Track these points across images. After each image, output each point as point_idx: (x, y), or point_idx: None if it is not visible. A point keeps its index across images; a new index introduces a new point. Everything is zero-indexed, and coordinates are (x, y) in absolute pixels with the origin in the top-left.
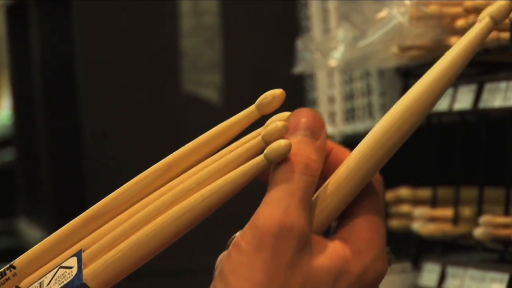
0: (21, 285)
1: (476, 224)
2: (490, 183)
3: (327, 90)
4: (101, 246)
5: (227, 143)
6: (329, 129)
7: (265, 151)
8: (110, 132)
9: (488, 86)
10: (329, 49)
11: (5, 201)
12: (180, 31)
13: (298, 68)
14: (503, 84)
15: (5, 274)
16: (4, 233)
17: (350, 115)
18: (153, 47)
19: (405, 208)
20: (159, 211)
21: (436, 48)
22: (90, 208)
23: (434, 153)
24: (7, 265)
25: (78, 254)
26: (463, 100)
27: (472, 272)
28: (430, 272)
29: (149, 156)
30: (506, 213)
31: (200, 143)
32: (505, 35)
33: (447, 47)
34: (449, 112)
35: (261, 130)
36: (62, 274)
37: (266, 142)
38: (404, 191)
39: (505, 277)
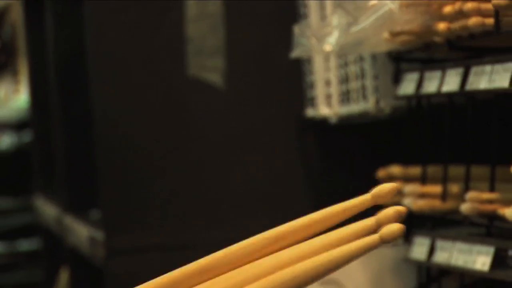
0: None
1: (463, 200)
2: (476, 161)
3: (324, 74)
4: None
5: (337, 223)
6: (326, 111)
7: (381, 230)
8: (119, 114)
9: (474, 69)
10: (324, 35)
11: (23, 180)
12: (185, 18)
13: (295, 53)
14: (488, 68)
15: None
16: (22, 209)
17: (345, 97)
18: (159, 33)
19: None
20: (264, 272)
21: (425, 33)
22: (195, 262)
23: (424, 133)
24: None
25: None
26: (451, 82)
27: (460, 245)
28: (420, 246)
29: (156, 136)
30: (492, 190)
31: (314, 219)
32: (489, 21)
33: (435, 33)
34: (438, 94)
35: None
36: None
37: (379, 224)
38: (395, 169)
39: (491, 250)
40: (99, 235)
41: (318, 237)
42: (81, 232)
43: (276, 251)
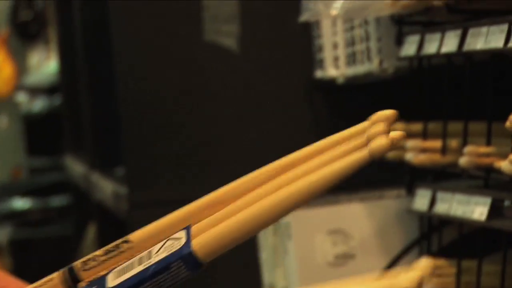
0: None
1: (461, 154)
2: (474, 118)
3: (331, 37)
4: (208, 221)
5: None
6: (333, 72)
7: (369, 145)
8: (141, 78)
9: (472, 31)
10: (331, 0)
11: (54, 141)
12: None
13: (303, 17)
14: (484, 29)
15: (120, 247)
16: (53, 168)
17: (351, 59)
18: (178, 2)
19: None
20: (263, 195)
21: None
22: (205, 196)
23: (425, 91)
24: (123, 238)
25: (187, 228)
26: (450, 44)
27: (459, 197)
28: (422, 197)
29: (175, 98)
30: (488, 144)
31: (315, 150)
32: None
33: None
34: (437, 55)
35: (362, 141)
36: (171, 244)
37: (369, 139)
38: (398, 126)
39: (488, 200)
40: (122, 190)
41: (312, 159)
42: (106, 188)
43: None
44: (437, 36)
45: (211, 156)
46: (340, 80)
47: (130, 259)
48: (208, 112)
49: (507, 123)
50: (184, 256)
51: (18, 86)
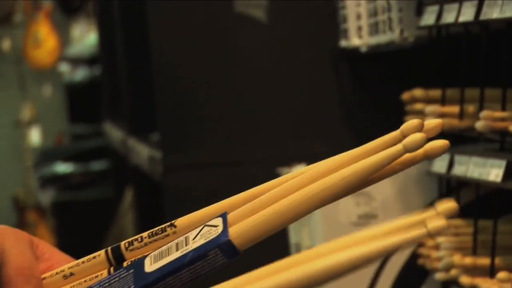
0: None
1: (478, 118)
2: (490, 84)
3: (355, 8)
4: (245, 210)
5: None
6: (357, 42)
7: (404, 141)
8: (175, 48)
9: (487, 2)
10: None
11: (94, 109)
12: None
13: None
14: (499, 0)
15: (165, 230)
16: (94, 134)
17: (374, 29)
18: None
19: (418, 106)
20: (300, 186)
21: None
22: (251, 189)
23: (443, 59)
24: (169, 222)
25: (223, 215)
26: (467, 13)
27: (476, 160)
28: (440, 160)
29: (207, 66)
30: (503, 109)
31: (347, 158)
32: None
33: None
34: (455, 24)
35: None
36: (208, 231)
37: (404, 134)
38: (418, 92)
39: (503, 163)
40: (157, 154)
41: (346, 152)
42: (142, 152)
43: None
44: (455, 6)
45: (240, 122)
46: (363, 49)
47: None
48: (238, 80)
49: None
50: (222, 244)
51: (61, 57)
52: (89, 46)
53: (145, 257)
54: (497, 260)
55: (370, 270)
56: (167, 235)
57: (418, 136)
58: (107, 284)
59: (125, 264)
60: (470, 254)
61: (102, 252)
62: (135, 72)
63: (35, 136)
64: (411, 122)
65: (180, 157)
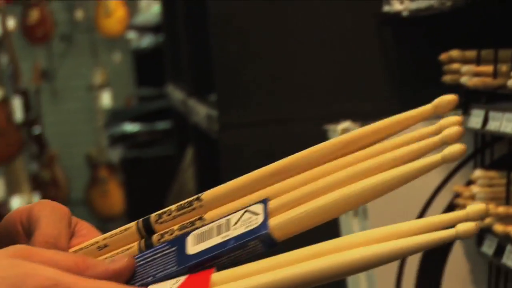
0: (206, 216)
1: (510, 77)
2: None
3: None
4: (287, 200)
5: (400, 131)
6: (399, 7)
7: (444, 152)
8: (231, 15)
9: None
10: None
11: (159, 73)
12: None
13: None
14: None
15: (192, 204)
16: (159, 97)
17: None
18: None
19: (455, 66)
20: (342, 182)
21: None
22: (276, 162)
23: (478, 21)
24: (196, 196)
25: (264, 202)
26: None
27: (509, 115)
28: (476, 116)
29: (262, 32)
30: None
31: (379, 127)
32: None
33: None
34: None
35: (433, 129)
36: (248, 218)
37: (444, 142)
38: (454, 53)
39: None
40: (214, 113)
41: (385, 141)
42: (201, 112)
43: (346, 154)
44: None
45: (291, 83)
46: (405, 13)
47: (199, 216)
48: (290, 44)
49: None
50: (261, 236)
51: (129, 26)
52: (154, 15)
53: (187, 234)
54: None
55: (413, 213)
56: (194, 209)
57: (459, 147)
58: (150, 258)
59: (155, 237)
60: (503, 204)
61: (133, 224)
62: (195, 38)
63: (106, 99)
64: (455, 130)
65: (234, 115)
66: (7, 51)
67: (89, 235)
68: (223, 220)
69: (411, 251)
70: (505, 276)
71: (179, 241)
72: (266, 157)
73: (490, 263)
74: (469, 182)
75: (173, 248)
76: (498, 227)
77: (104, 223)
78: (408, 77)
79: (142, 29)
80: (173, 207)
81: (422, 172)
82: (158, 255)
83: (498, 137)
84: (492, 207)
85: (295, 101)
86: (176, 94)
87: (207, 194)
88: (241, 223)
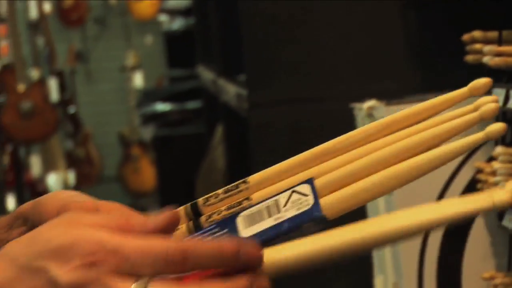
0: (253, 196)
1: None
2: None
3: None
4: (333, 179)
5: (438, 113)
6: None
7: (486, 130)
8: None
9: None
10: None
11: (189, 54)
12: None
13: None
14: None
15: (239, 187)
16: (189, 77)
17: None
18: None
19: (478, 46)
20: (385, 160)
21: None
22: (322, 145)
23: (501, 3)
24: (242, 180)
25: (310, 182)
26: None
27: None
28: (497, 95)
29: (288, 14)
30: None
31: (418, 110)
32: None
33: None
34: None
35: (470, 107)
36: (298, 200)
37: (482, 118)
38: (477, 33)
39: None
40: (243, 92)
41: (425, 121)
42: (231, 91)
43: (387, 135)
44: None
45: (319, 62)
46: None
47: (245, 198)
48: (315, 27)
49: None
50: (316, 218)
51: (160, 9)
52: None
53: (236, 215)
54: None
55: (436, 189)
56: (241, 191)
57: (501, 125)
58: (201, 238)
59: (203, 218)
60: None
61: (181, 208)
62: (224, 20)
63: (138, 79)
64: (494, 107)
65: (263, 94)
66: (43, 33)
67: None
68: (271, 201)
69: (452, 220)
70: None
71: (229, 223)
72: (294, 134)
73: (510, 236)
74: (490, 159)
75: (224, 231)
76: None
77: (136, 199)
78: (432, 57)
79: (173, 12)
80: (220, 190)
81: (466, 149)
82: (210, 237)
83: None
84: None
85: (322, 81)
86: (206, 74)
87: (253, 177)
88: (291, 205)
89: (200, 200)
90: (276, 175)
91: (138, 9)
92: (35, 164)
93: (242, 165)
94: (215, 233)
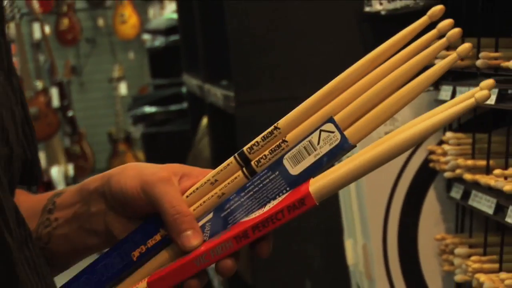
0: (287, 138)
1: (476, 59)
2: (485, 35)
3: None
4: (348, 113)
5: (409, 41)
6: (378, 7)
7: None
8: (245, 16)
9: None
10: None
11: (175, 65)
12: None
13: None
14: None
15: (273, 133)
16: (170, 85)
17: None
18: None
19: None
20: (389, 86)
21: None
22: (328, 84)
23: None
24: (273, 126)
25: (331, 121)
26: None
27: (473, 90)
28: (445, 91)
29: (267, 27)
30: (496, 50)
31: (394, 41)
32: None
33: None
34: None
35: (434, 32)
36: (327, 137)
37: (449, 41)
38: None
39: (496, 90)
40: (230, 93)
41: (402, 51)
42: (217, 93)
43: (375, 67)
44: None
45: (293, 67)
46: (383, 12)
47: (282, 140)
48: (291, 36)
49: None
50: (346, 148)
51: (143, 30)
52: (165, 20)
53: (280, 159)
54: (491, 162)
55: (396, 168)
56: (275, 136)
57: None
58: (260, 183)
59: (253, 163)
60: (470, 158)
61: (231, 159)
62: (210, 34)
63: (123, 88)
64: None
65: (248, 94)
66: (45, 51)
67: (200, 175)
68: (306, 142)
69: (449, 120)
70: (470, 214)
71: (278, 166)
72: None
73: (457, 205)
74: (441, 143)
75: (276, 173)
76: (468, 176)
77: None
78: None
79: (155, 32)
80: (258, 138)
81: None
82: (266, 181)
83: None
84: (461, 161)
85: (297, 82)
86: (191, 81)
87: (282, 122)
88: (323, 142)
89: (245, 149)
90: (300, 115)
91: (122, 30)
92: (40, 159)
93: (226, 154)
94: (269, 176)
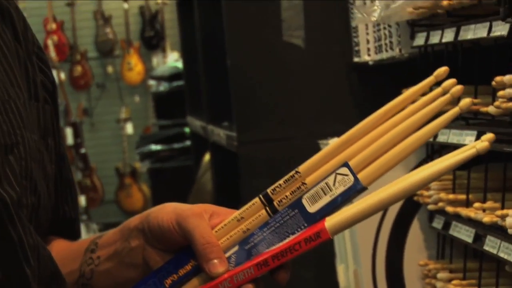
0: (306, 180)
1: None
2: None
3: (365, 36)
4: (363, 158)
5: (416, 98)
6: (367, 58)
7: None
8: (244, 66)
9: (463, 28)
10: (371, 11)
11: (177, 107)
12: (281, 8)
13: (354, 22)
14: (472, 26)
15: (294, 176)
16: (173, 125)
17: (379, 48)
18: (267, 19)
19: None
20: (398, 135)
21: (433, 7)
22: (343, 135)
23: (430, 69)
24: (294, 170)
25: (346, 165)
26: (448, 36)
27: (454, 131)
28: None
29: (264, 75)
30: (475, 97)
31: (404, 98)
32: None
33: (439, 7)
34: (439, 44)
35: (439, 91)
36: (342, 179)
37: (453, 97)
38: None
39: (475, 132)
40: (232, 133)
41: (410, 106)
42: (221, 133)
43: (386, 121)
44: (438, 32)
45: (289, 110)
46: (371, 63)
47: (302, 183)
48: (286, 83)
49: (493, 83)
50: (359, 190)
51: (148, 76)
52: (169, 68)
53: (300, 199)
54: (470, 196)
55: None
56: (296, 179)
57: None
58: (281, 220)
59: (276, 203)
60: (451, 192)
61: (256, 199)
62: (213, 80)
63: (129, 128)
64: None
65: (249, 135)
66: (61, 95)
67: (228, 214)
68: (323, 184)
69: (454, 166)
70: (450, 243)
71: (297, 205)
72: (271, 164)
73: (438, 234)
74: None
75: (295, 211)
76: (449, 209)
77: (129, 216)
78: (372, 107)
79: (160, 78)
80: (281, 181)
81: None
82: (287, 218)
83: (446, 146)
84: (443, 195)
85: (294, 124)
86: (195, 122)
87: (302, 167)
88: (338, 184)
89: (269, 190)
90: (319, 161)
91: (129, 77)
92: None
93: (228, 187)
94: (290, 213)
